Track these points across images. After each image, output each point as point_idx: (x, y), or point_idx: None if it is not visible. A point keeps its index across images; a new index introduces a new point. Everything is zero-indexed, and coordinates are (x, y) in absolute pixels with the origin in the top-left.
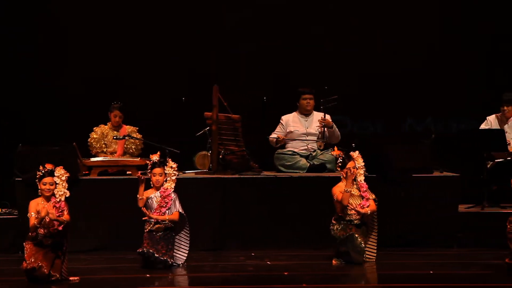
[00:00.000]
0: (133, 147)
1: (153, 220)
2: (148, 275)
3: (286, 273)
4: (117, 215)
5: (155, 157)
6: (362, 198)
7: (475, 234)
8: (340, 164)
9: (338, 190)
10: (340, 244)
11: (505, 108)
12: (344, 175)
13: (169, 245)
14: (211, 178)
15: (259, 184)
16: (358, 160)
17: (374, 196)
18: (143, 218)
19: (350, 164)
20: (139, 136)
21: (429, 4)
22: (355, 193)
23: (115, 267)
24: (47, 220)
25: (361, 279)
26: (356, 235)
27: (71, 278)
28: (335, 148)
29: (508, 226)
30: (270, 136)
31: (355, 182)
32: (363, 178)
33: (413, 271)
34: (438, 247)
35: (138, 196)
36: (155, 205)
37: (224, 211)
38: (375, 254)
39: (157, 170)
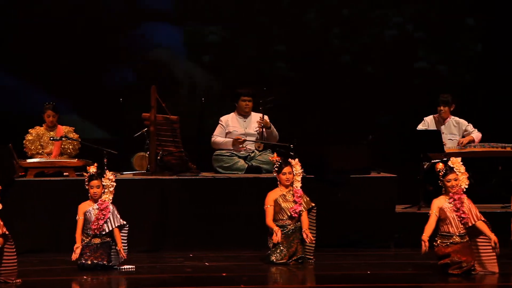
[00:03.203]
0: (70, 147)
1: (91, 233)
2: (85, 277)
3: (224, 274)
4: (54, 217)
5: (92, 169)
6: (295, 203)
7: (412, 235)
8: (276, 169)
9: (272, 197)
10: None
11: (442, 108)
12: (279, 181)
13: (107, 250)
14: (149, 179)
15: (197, 185)
16: (296, 167)
17: (313, 204)
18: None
19: (286, 169)
20: (76, 136)
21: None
22: (289, 199)
23: (52, 269)
24: None
25: (299, 280)
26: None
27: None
28: (275, 154)
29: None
30: (216, 139)
31: (291, 188)
32: (299, 185)
33: (350, 271)
34: (375, 248)
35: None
36: (93, 217)
37: (162, 212)
38: (312, 256)
39: (95, 182)
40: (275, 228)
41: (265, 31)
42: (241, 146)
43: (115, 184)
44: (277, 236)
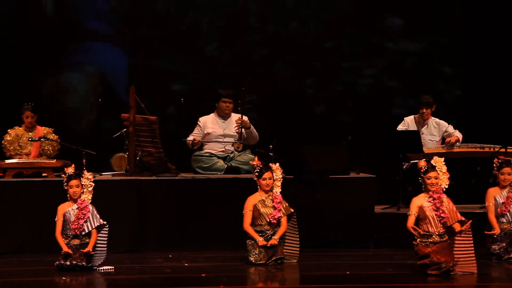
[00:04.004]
0: (50, 148)
1: (70, 233)
2: (63, 278)
3: (203, 275)
4: (33, 217)
5: (70, 170)
6: (275, 209)
7: (391, 235)
8: (257, 174)
9: (251, 202)
10: None
11: (424, 111)
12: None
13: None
14: (128, 179)
15: (176, 186)
16: (276, 172)
17: (292, 210)
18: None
19: (266, 175)
20: (55, 137)
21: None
22: (268, 204)
23: (31, 270)
24: None
25: (279, 280)
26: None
27: None
28: (255, 158)
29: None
30: (188, 138)
31: (270, 193)
32: (279, 190)
33: (329, 272)
34: (354, 248)
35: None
36: (72, 218)
37: (141, 212)
38: (297, 254)
39: (74, 182)
40: (259, 239)
41: (236, 84)
42: (193, 147)
43: (93, 184)
44: (263, 242)
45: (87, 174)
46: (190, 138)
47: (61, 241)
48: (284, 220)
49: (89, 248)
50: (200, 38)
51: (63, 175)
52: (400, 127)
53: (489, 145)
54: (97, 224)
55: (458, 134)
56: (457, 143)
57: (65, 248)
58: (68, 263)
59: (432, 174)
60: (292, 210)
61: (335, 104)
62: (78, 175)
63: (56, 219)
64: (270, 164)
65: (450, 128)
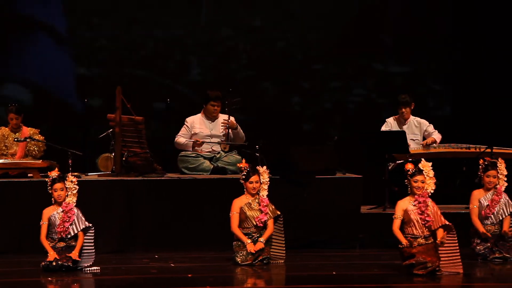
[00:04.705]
0: (36, 149)
1: (57, 236)
2: (50, 278)
3: (189, 275)
4: (18, 218)
5: (53, 173)
6: (261, 212)
7: (377, 235)
8: (244, 177)
9: (237, 204)
10: None
11: (403, 110)
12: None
13: (71, 252)
14: (114, 180)
15: (162, 186)
16: (263, 175)
17: (279, 213)
18: None
19: (253, 178)
20: (41, 138)
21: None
22: (254, 207)
23: (16, 270)
24: None
25: (266, 281)
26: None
27: None
28: (243, 161)
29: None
30: (179, 139)
31: (257, 196)
32: (266, 193)
33: (316, 272)
34: (340, 248)
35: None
36: (58, 221)
37: (127, 213)
38: (283, 256)
39: (58, 185)
40: (247, 242)
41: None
42: (199, 149)
43: (78, 186)
44: (251, 247)
45: (71, 177)
46: (181, 139)
47: (47, 245)
48: (270, 223)
49: (76, 251)
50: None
51: (47, 179)
52: (384, 128)
53: (475, 145)
54: (82, 226)
55: (436, 136)
56: (434, 144)
57: (51, 252)
58: (54, 263)
59: (419, 177)
60: (279, 213)
61: (323, 120)
62: (62, 178)
63: (41, 223)
64: (258, 167)
65: (431, 128)
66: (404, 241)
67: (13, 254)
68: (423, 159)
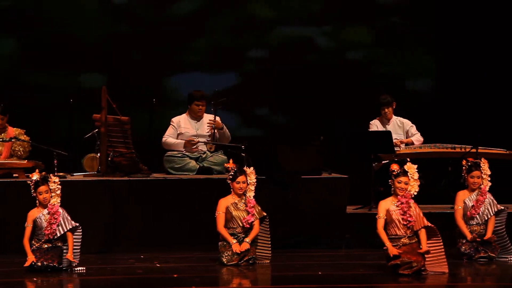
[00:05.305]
0: (21, 149)
1: (44, 238)
2: (34, 279)
3: (175, 276)
4: (3, 218)
5: (35, 176)
6: (248, 213)
7: (363, 235)
8: (231, 177)
9: (223, 204)
10: None
11: (386, 110)
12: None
13: (58, 253)
14: (100, 180)
15: (148, 186)
16: (250, 176)
17: (265, 214)
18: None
19: (240, 179)
20: (26, 138)
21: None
22: (241, 207)
23: (2, 271)
24: None
25: (251, 281)
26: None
27: None
28: (231, 161)
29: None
30: (168, 140)
31: (243, 196)
32: (253, 194)
33: (301, 272)
34: (326, 248)
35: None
36: (44, 224)
37: (113, 213)
38: (269, 256)
39: (42, 188)
40: (232, 242)
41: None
42: (193, 147)
43: (61, 186)
44: (237, 247)
45: (54, 178)
46: (171, 140)
47: (28, 248)
48: (256, 223)
49: (70, 253)
50: None
51: (29, 182)
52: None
53: (460, 146)
54: (69, 226)
55: (416, 139)
56: (410, 145)
57: (30, 255)
58: (39, 263)
59: (403, 179)
60: (265, 214)
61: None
62: (45, 180)
63: (25, 225)
64: (245, 168)
65: (413, 129)
66: (394, 253)
67: None
68: (409, 161)
